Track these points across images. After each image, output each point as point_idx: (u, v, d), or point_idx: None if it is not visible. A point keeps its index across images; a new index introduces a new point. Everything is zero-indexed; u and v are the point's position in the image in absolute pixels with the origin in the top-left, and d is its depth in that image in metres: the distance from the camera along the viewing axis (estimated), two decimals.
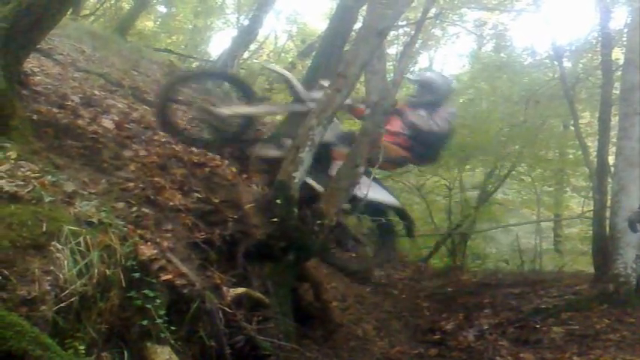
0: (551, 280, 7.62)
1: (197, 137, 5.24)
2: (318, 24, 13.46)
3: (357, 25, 7.31)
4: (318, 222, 4.55)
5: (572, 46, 10.39)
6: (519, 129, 9.99)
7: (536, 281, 7.64)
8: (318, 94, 5.09)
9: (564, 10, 24.28)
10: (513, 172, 10.70)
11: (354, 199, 4.99)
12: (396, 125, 5.42)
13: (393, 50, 11.55)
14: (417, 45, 10.66)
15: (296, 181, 4.52)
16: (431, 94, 5.45)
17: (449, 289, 7.79)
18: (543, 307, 6.32)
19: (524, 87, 10.67)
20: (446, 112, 5.42)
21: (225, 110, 5.20)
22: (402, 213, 5.75)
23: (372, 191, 5.10)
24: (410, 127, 5.38)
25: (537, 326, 5.75)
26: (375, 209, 5.29)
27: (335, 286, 5.80)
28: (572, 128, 9.48)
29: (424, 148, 5.43)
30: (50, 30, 3.85)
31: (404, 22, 9.47)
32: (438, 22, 11.42)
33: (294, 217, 4.39)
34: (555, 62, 9.62)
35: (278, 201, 4.36)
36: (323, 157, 5.04)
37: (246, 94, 5.45)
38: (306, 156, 4.69)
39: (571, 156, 10.80)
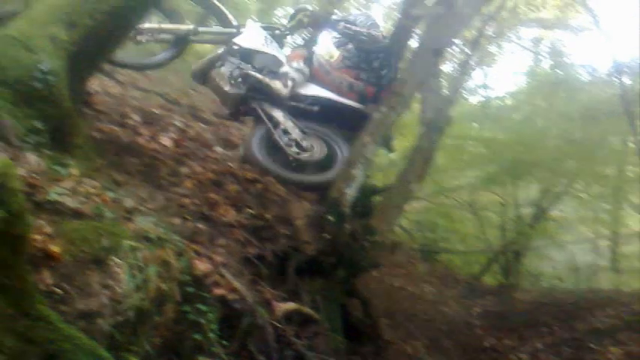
0: (607, 299, 7.37)
1: None
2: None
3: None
4: (369, 238, 4.57)
5: (634, 62, 10.10)
6: (576, 146, 9.76)
7: (592, 300, 7.42)
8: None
9: (625, 26, 23.68)
10: (570, 189, 10.43)
11: (296, 99, 4.97)
12: (346, 71, 5.32)
13: (447, 67, 11.49)
14: (472, 62, 10.57)
15: (348, 197, 4.56)
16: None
17: (502, 308, 7.62)
18: (600, 326, 6.13)
19: (581, 104, 10.44)
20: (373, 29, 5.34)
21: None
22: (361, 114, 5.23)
23: (318, 90, 5.07)
24: (345, 34, 5.27)
25: (593, 347, 5.58)
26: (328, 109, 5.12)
27: (385, 302, 5.78)
28: (632, 145, 9.20)
29: (374, 78, 5.31)
30: (113, 52, 4.03)
31: (460, 41, 9.39)
32: (494, 38, 11.30)
33: (345, 234, 4.41)
34: (615, 79, 9.39)
35: (329, 217, 4.40)
36: None
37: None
38: (359, 173, 4.72)
39: (630, 173, 10.47)
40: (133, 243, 2.68)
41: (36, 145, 2.94)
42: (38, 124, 3.04)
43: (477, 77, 13.37)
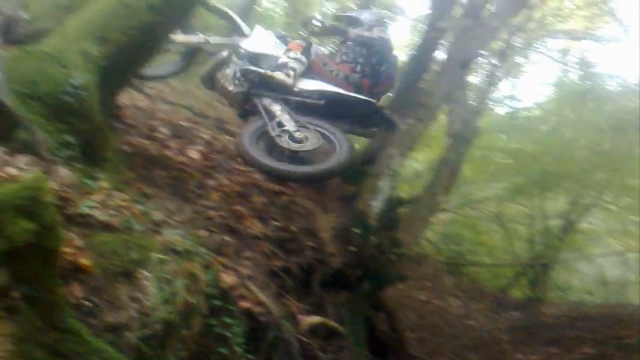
0: (637, 314, 7.21)
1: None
2: (398, 54, 13.52)
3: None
4: (395, 251, 4.55)
5: None
6: (605, 157, 9.61)
7: (622, 314, 7.26)
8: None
9: None
10: (599, 201, 10.26)
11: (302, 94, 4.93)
12: (342, 66, 5.30)
13: (474, 78, 11.44)
14: (499, 73, 10.52)
15: (374, 210, 4.56)
16: (357, 25, 5.39)
17: (530, 322, 7.50)
18: (629, 342, 5.99)
19: (610, 114, 10.29)
20: (379, 31, 5.32)
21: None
22: (370, 107, 5.18)
23: (323, 85, 4.99)
24: (355, 40, 5.26)
25: None
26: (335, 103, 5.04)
27: (410, 315, 5.74)
28: None
29: (372, 70, 5.26)
30: (143, 67, 4.10)
31: (486, 52, 9.34)
32: (521, 49, 11.24)
33: (371, 246, 4.41)
34: None
35: (355, 230, 4.40)
36: None
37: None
38: (385, 185, 4.72)
39: None
40: (161, 256, 2.71)
41: (67, 158, 2.99)
42: (69, 138, 3.10)
43: (504, 88, 13.28)
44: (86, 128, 3.26)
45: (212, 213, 3.93)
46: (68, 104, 3.14)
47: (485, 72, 10.36)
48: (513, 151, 10.15)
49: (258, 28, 5.37)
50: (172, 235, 3.06)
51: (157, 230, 3.07)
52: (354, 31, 5.23)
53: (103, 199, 2.96)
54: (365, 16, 5.51)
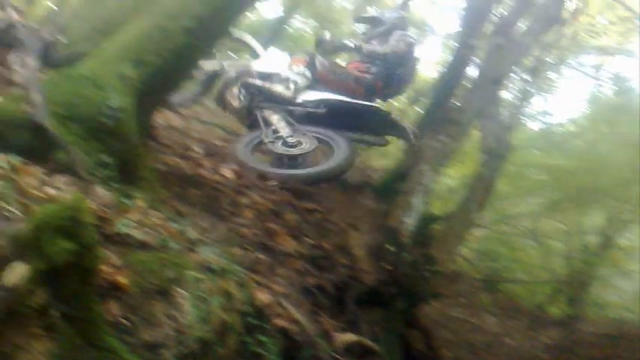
0: None
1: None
2: (429, 71, 13.51)
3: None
4: (429, 268, 4.50)
5: None
6: None
7: None
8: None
9: None
10: (636, 216, 10.00)
11: (301, 105, 4.90)
12: (356, 65, 5.30)
13: (507, 94, 11.35)
14: (531, 89, 10.41)
15: (407, 226, 4.52)
16: (381, 26, 5.41)
17: (568, 340, 7.31)
18: None
19: None
20: (398, 35, 5.28)
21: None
22: (384, 117, 5.14)
23: (322, 94, 4.95)
24: (369, 56, 5.24)
25: None
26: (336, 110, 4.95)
27: (446, 333, 5.64)
28: None
29: (387, 72, 5.25)
30: (177, 87, 4.17)
31: (519, 69, 9.26)
32: (553, 65, 11.13)
33: (405, 263, 4.37)
34: None
35: (389, 247, 4.37)
36: None
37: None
38: (418, 201, 4.68)
39: None
40: (196, 274, 2.72)
41: (104, 178, 3.05)
42: (106, 158, 3.16)
43: (537, 104, 13.12)
44: (123, 148, 3.32)
45: (246, 231, 3.95)
46: (105, 125, 3.21)
47: (517, 88, 10.26)
48: (548, 167, 9.99)
49: (272, 49, 5.47)
50: (207, 253, 3.08)
51: (192, 248, 3.09)
52: (367, 47, 5.25)
53: (139, 217, 3.00)
54: (387, 15, 5.52)
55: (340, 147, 4.72)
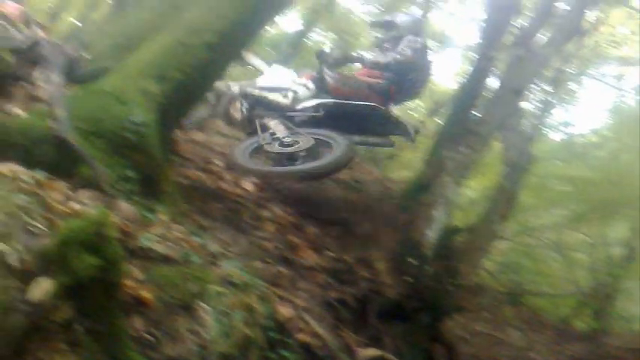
0: None
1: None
2: (448, 83, 13.48)
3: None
4: (452, 281, 4.45)
5: None
6: None
7: None
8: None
9: None
10: None
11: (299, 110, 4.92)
12: (367, 72, 5.28)
13: (528, 105, 11.27)
14: (552, 100, 10.33)
15: (429, 239, 4.48)
16: (395, 31, 5.37)
17: (593, 354, 7.16)
18: None
19: None
20: (406, 42, 5.22)
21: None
22: (383, 115, 5.09)
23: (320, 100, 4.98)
24: (372, 67, 5.21)
25: None
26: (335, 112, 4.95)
27: (470, 348, 5.56)
28: None
29: (397, 78, 5.20)
30: (199, 101, 4.20)
31: (539, 80, 9.20)
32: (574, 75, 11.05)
33: (428, 276, 4.33)
34: None
35: (411, 259, 4.34)
36: None
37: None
38: (440, 214, 4.64)
39: None
40: (218, 288, 2.72)
41: (128, 192, 3.07)
42: (130, 173, 3.18)
43: (558, 114, 13.00)
44: (145, 163, 3.34)
45: (267, 244, 3.95)
46: (129, 140, 3.23)
47: (538, 99, 10.18)
48: (571, 178, 9.86)
49: (275, 66, 5.53)
50: (229, 267, 3.08)
51: (214, 262, 3.10)
52: (369, 58, 5.24)
53: (162, 231, 3.01)
54: (400, 19, 5.52)
55: (338, 144, 4.70)
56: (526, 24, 6.61)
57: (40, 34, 4.88)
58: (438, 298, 4.25)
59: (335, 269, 4.12)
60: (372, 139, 5.21)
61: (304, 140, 4.75)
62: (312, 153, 4.71)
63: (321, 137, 4.78)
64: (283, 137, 4.78)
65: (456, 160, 5.07)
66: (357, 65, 5.58)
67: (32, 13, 7.35)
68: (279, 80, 5.26)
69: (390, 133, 5.26)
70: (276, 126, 4.88)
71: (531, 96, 10.11)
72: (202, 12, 3.91)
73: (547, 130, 12.01)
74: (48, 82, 3.87)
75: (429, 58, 5.52)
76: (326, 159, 4.62)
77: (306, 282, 3.81)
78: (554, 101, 11.03)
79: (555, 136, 13.00)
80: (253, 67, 5.62)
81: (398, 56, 5.09)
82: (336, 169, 4.79)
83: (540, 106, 10.21)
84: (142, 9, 5.37)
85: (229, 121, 5.48)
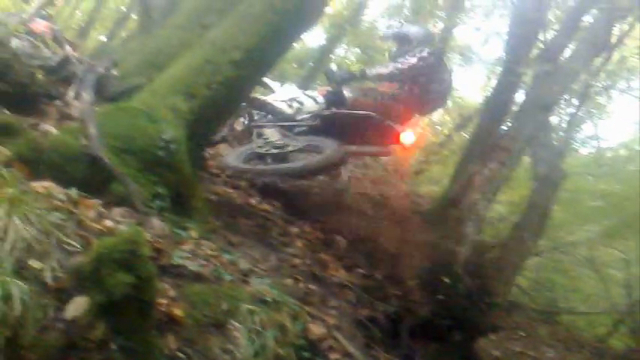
0: None
1: None
2: (474, 96, 13.38)
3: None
4: (485, 299, 4.36)
5: None
6: None
7: None
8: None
9: None
10: None
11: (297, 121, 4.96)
12: (387, 85, 5.22)
13: (556, 119, 11.12)
14: (580, 114, 10.17)
15: (460, 256, 4.40)
16: (407, 44, 5.30)
17: None
18: None
19: None
20: (413, 54, 5.13)
21: None
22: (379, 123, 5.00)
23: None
24: (376, 80, 5.18)
25: None
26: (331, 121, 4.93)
27: None
28: None
29: (419, 88, 5.14)
30: (228, 119, 4.21)
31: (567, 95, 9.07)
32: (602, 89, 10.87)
33: (460, 294, 4.24)
34: None
35: (442, 277, 4.26)
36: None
37: None
38: (470, 230, 4.56)
39: None
40: (250, 306, 2.69)
41: (159, 209, 3.07)
42: (161, 190, 3.18)
43: (587, 128, 12.79)
44: (176, 180, 3.34)
45: (296, 261, 3.91)
46: (160, 157, 3.24)
47: (567, 113, 10.03)
48: (602, 193, 9.65)
49: (287, 86, 5.57)
50: (260, 285, 3.05)
51: (245, 280, 3.07)
52: (370, 72, 5.21)
53: (192, 248, 3.00)
54: (413, 31, 5.48)
55: (327, 148, 4.75)
56: (552, 38, 6.52)
57: (70, 51, 4.95)
58: (471, 316, 4.16)
59: (365, 286, 4.07)
60: (369, 149, 5.19)
61: (294, 143, 4.84)
62: (301, 154, 4.75)
63: (313, 143, 4.85)
64: (275, 141, 4.86)
65: (485, 175, 4.99)
66: (366, 82, 5.58)
67: (61, 30, 7.50)
68: (286, 95, 5.30)
69: (387, 141, 5.23)
70: (271, 133, 4.95)
71: (560, 110, 9.99)
72: (229, 30, 3.93)
73: (577, 144, 11.83)
74: (79, 100, 3.91)
75: (447, 67, 5.48)
76: (313, 159, 4.69)
77: (337, 299, 3.76)
78: (583, 115, 10.85)
79: (585, 151, 12.80)
80: (265, 86, 5.65)
81: (400, 65, 5.07)
82: (321, 168, 4.87)
83: (569, 120, 10.06)
84: (169, 27, 5.44)
85: (233, 134, 5.53)
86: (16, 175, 2.42)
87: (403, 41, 5.45)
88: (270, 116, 5.21)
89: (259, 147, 4.85)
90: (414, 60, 5.08)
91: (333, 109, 4.95)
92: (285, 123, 5.00)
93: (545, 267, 9.48)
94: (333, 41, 12.27)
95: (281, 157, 4.78)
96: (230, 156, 4.96)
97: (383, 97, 5.09)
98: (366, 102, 5.01)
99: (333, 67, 5.50)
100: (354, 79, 5.28)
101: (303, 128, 5.00)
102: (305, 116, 5.03)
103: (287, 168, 4.75)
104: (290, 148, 4.77)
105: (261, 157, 4.86)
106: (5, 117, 3.11)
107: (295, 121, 5.03)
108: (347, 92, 5.13)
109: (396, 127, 4.87)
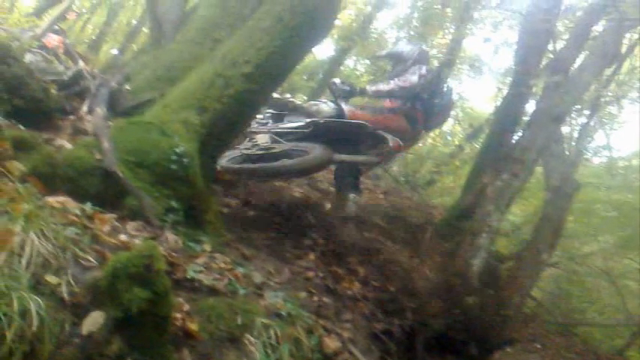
0: None
1: None
2: (484, 106, 13.35)
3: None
4: (501, 311, 4.31)
5: None
6: None
7: None
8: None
9: None
10: None
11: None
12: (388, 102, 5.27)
13: (568, 129, 11.05)
14: (592, 124, 10.10)
15: (474, 268, 4.36)
16: (402, 63, 5.34)
17: None
18: None
19: None
20: (412, 70, 5.17)
21: None
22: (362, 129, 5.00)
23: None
24: (375, 96, 5.27)
25: None
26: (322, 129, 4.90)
27: None
28: None
29: (421, 104, 5.20)
30: (240, 132, 4.21)
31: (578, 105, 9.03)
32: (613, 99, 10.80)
33: (475, 307, 4.20)
34: None
35: (456, 289, 4.22)
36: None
37: None
38: (484, 242, 4.53)
39: None
40: (265, 320, 2.67)
41: (173, 223, 3.06)
42: (174, 203, 3.18)
43: (599, 138, 12.69)
44: (189, 193, 3.34)
45: (310, 274, 3.88)
46: (173, 171, 3.24)
47: (578, 123, 9.97)
48: (616, 203, 9.54)
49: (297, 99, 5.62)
50: (274, 299, 3.03)
51: (259, 293, 3.05)
52: (370, 88, 5.26)
53: (206, 261, 2.99)
54: (407, 50, 5.50)
55: (312, 151, 4.78)
56: (562, 49, 6.49)
57: (82, 65, 4.98)
58: (486, 329, 4.11)
59: (379, 299, 4.03)
60: (360, 158, 5.18)
61: (280, 147, 4.88)
62: (286, 157, 4.79)
63: (299, 147, 4.88)
64: (262, 144, 4.92)
65: (498, 187, 4.96)
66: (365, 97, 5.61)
67: (73, 44, 7.57)
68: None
69: (378, 152, 5.24)
70: (261, 138, 4.99)
71: (572, 121, 9.93)
72: (239, 44, 3.94)
73: (589, 154, 11.74)
74: (93, 115, 3.93)
75: (445, 81, 5.50)
76: (295, 160, 4.71)
77: (351, 313, 3.73)
78: (594, 125, 10.78)
79: (597, 160, 12.70)
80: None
81: (401, 83, 5.09)
82: (302, 169, 4.88)
83: (581, 130, 9.99)
84: (180, 41, 5.47)
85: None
86: (31, 190, 2.43)
87: (398, 60, 5.48)
88: (270, 122, 5.22)
89: (246, 149, 4.91)
90: (414, 78, 5.11)
91: (326, 118, 4.97)
92: (279, 130, 5.03)
93: (561, 278, 9.38)
94: (342, 53, 12.29)
95: (266, 158, 4.81)
96: (222, 158, 5.02)
97: (382, 111, 5.10)
98: (363, 115, 5.03)
99: (337, 80, 5.50)
100: (354, 95, 5.31)
101: (298, 135, 5.03)
102: (300, 124, 5.06)
103: (269, 167, 4.77)
104: (275, 150, 4.82)
105: (248, 159, 4.91)
106: (20, 132, 3.12)
107: (291, 128, 5.06)
108: (343, 106, 5.16)
109: (386, 137, 4.90)
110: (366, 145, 5.04)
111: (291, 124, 5.08)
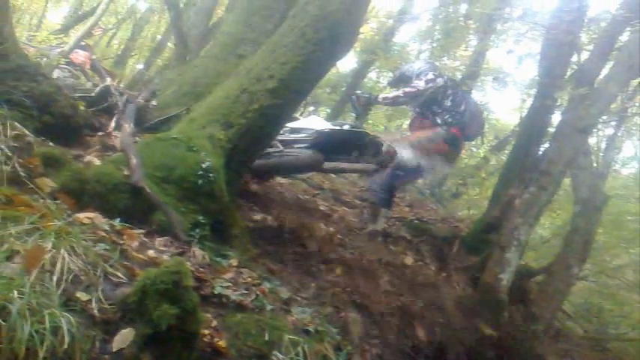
0: None
1: None
2: (510, 118, 13.21)
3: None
4: (531, 327, 4.23)
5: None
6: None
7: None
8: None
9: None
10: None
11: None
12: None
13: (593, 140, 10.87)
14: (619, 135, 9.92)
15: (504, 283, 4.29)
16: (407, 81, 5.47)
17: None
18: None
19: None
20: (420, 78, 5.32)
21: None
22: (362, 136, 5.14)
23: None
24: (382, 103, 5.59)
25: None
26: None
27: None
28: None
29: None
30: (266, 147, 4.22)
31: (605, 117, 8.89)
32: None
33: (504, 322, 4.12)
34: None
35: (485, 304, 4.15)
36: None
37: None
38: (513, 256, 4.45)
39: None
40: (293, 337, 2.64)
41: (199, 238, 3.07)
42: (201, 218, 3.19)
43: (627, 149, 12.48)
44: (215, 208, 3.35)
45: (337, 289, 3.84)
46: (199, 186, 3.25)
47: (605, 135, 9.80)
48: None
49: (312, 117, 5.63)
50: (302, 314, 3.01)
51: (286, 309, 3.03)
52: (379, 97, 5.45)
53: (233, 277, 2.98)
54: (406, 68, 5.69)
55: (300, 155, 4.81)
56: (586, 60, 6.39)
57: (109, 81, 5.05)
58: (518, 344, 4.03)
59: (407, 314, 3.97)
60: (357, 167, 5.18)
61: (273, 149, 4.89)
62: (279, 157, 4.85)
63: (295, 150, 4.91)
64: None
65: (525, 200, 4.88)
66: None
67: (99, 59, 7.68)
68: (307, 123, 5.34)
69: (372, 154, 5.24)
70: None
71: (599, 133, 9.76)
72: (263, 59, 3.95)
73: (617, 165, 11.54)
74: (121, 131, 3.97)
75: (465, 89, 5.52)
76: (283, 159, 4.79)
77: (379, 328, 3.68)
78: (621, 136, 10.60)
79: (625, 171, 12.47)
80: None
81: (407, 89, 5.16)
82: (292, 168, 4.99)
83: (608, 141, 9.83)
84: (205, 57, 5.53)
85: None
86: (61, 207, 2.45)
87: (404, 80, 5.54)
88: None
89: None
90: (421, 83, 5.15)
91: (330, 127, 4.99)
92: (286, 138, 5.05)
93: (592, 292, 9.18)
94: (365, 66, 12.29)
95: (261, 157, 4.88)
96: None
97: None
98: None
99: (358, 92, 5.59)
100: (371, 102, 5.46)
101: (304, 143, 5.05)
102: (307, 134, 5.09)
103: (263, 164, 4.75)
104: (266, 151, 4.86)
105: None
106: (50, 149, 3.16)
107: (297, 137, 5.09)
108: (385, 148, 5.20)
109: (382, 143, 4.93)
110: (368, 153, 5.06)
111: (297, 134, 5.11)
